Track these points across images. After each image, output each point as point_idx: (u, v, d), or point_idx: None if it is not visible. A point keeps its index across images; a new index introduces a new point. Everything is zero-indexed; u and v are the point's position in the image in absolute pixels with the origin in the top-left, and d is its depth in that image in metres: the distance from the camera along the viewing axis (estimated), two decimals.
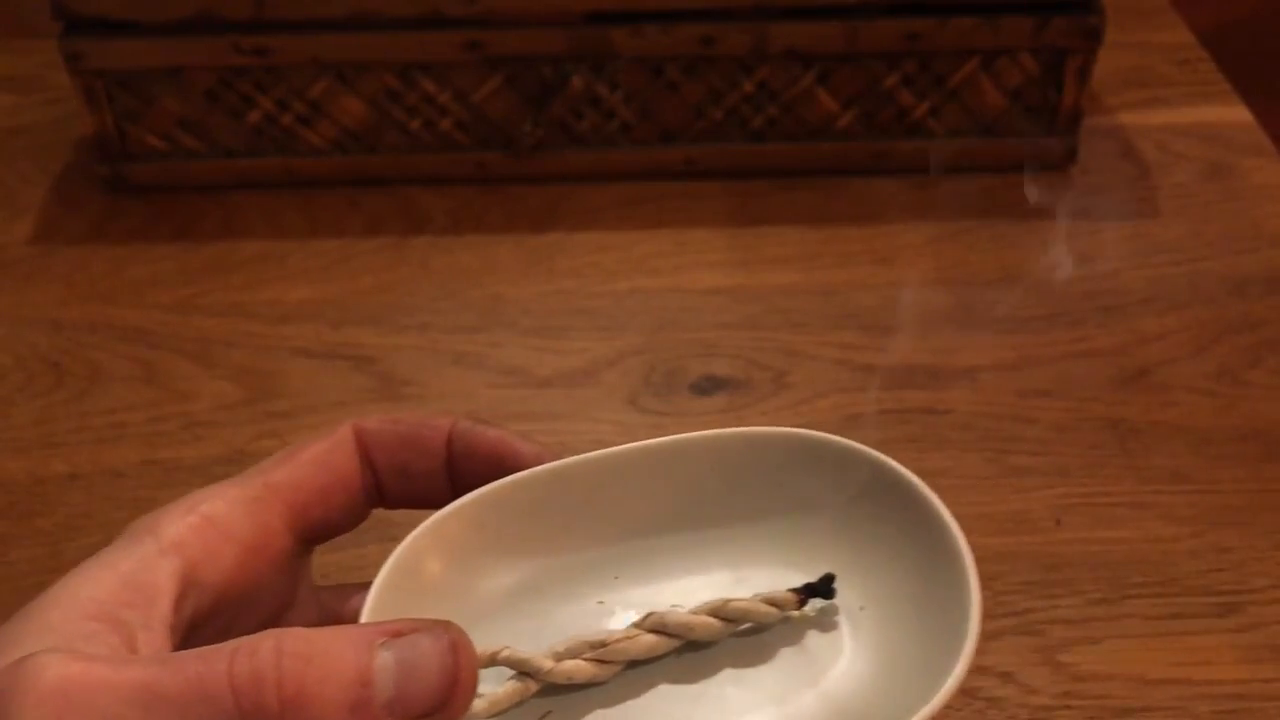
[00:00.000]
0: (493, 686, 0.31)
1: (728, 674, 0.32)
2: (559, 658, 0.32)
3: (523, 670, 0.31)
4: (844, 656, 0.32)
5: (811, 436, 0.35)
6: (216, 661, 0.26)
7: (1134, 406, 0.57)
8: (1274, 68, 0.95)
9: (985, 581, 0.49)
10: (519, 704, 0.31)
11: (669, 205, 0.70)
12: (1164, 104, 0.76)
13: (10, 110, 0.78)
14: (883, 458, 0.34)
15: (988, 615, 0.48)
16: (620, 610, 0.34)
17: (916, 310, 0.63)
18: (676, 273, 0.65)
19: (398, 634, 0.28)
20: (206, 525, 0.32)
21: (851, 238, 0.67)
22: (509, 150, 0.70)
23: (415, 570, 0.33)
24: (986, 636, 0.48)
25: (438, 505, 0.34)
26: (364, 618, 0.31)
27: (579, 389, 0.59)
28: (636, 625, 0.32)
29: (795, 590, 0.33)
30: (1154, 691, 0.46)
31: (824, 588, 0.33)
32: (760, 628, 0.33)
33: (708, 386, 0.59)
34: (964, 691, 0.46)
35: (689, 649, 0.33)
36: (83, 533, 0.53)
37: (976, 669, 0.47)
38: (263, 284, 0.65)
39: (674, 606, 0.33)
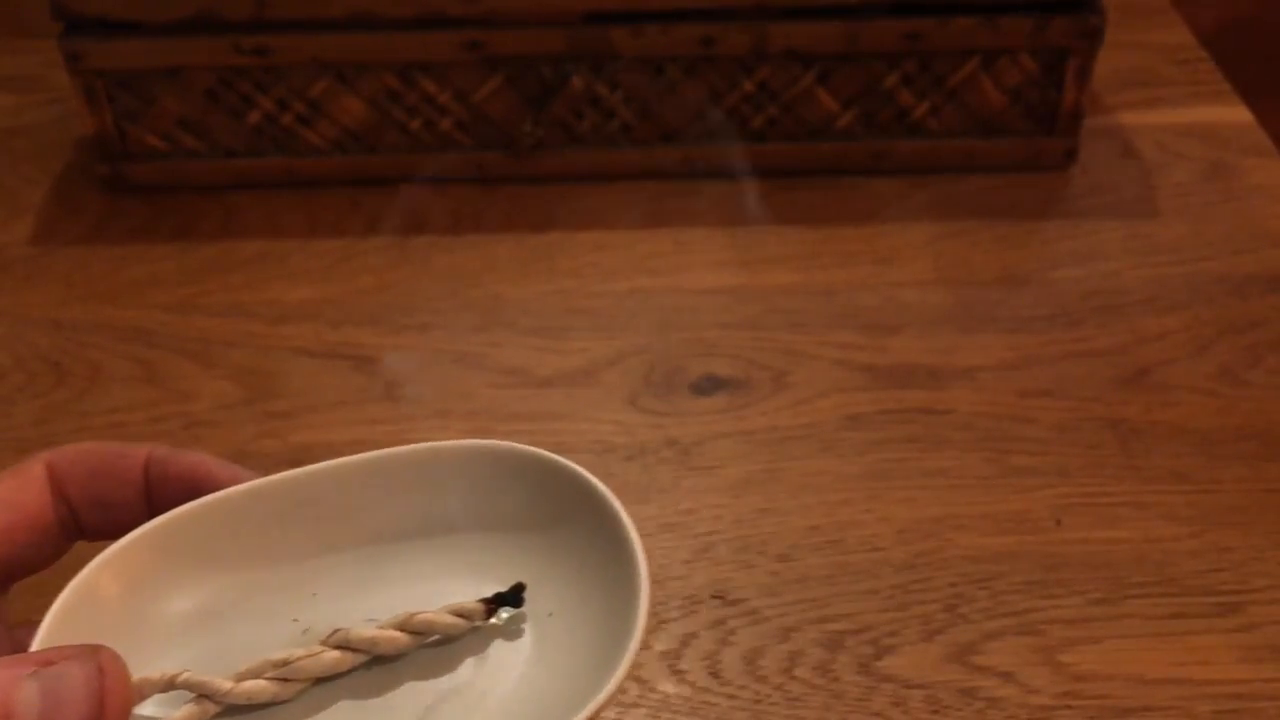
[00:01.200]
0: (171, 710, 0.32)
1: (410, 687, 0.33)
2: (240, 678, 0.32)
3: (202, 693, 0.31)
4: (526, 663, 0.33)
5: (510, 449, 0.35)
6: None
7: (1134, 406, 0.57)
8: (1274, 68, 0.95)
9: (986, 581, 0.50)
10: None
11: (669, 205, 0.70)
12: (1164, 104, 0.76)
13: (11, 110, 0.78)
14: (576, 468, 0.34)
15: (988, 615, 0.48)
16: (316, 627, 0.34)
17: (917, 310, 0.63)
18: (676, 273, 0.65)
19: (47, 663, 0.28)
20: None
21: (851, 238, 0.67)
22: (509, 150, 0.70)
23: (94, 598, 0.32)
24: (987, 636, 0.48)
25: None
26: (33, 649, 0.31)
27: (579, 389, 0.59)
28: (322, 642, 0.33)
29: (485, 600, 0.34)
30: (1154, 691, 0.46)
31: (513, 597, 0.34)
32: (449, 639, 0.34)
33: (708, 386, 0.59)
34: (964, 691, 0.46)
35: (378, 663, 0.33)
36: None
37: (977, 668, 0.47)
38: (263, 284, 0.65)
39: (369, 621, 0.33)
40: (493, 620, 0.34)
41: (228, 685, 0.32)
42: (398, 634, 0.33)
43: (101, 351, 0.61)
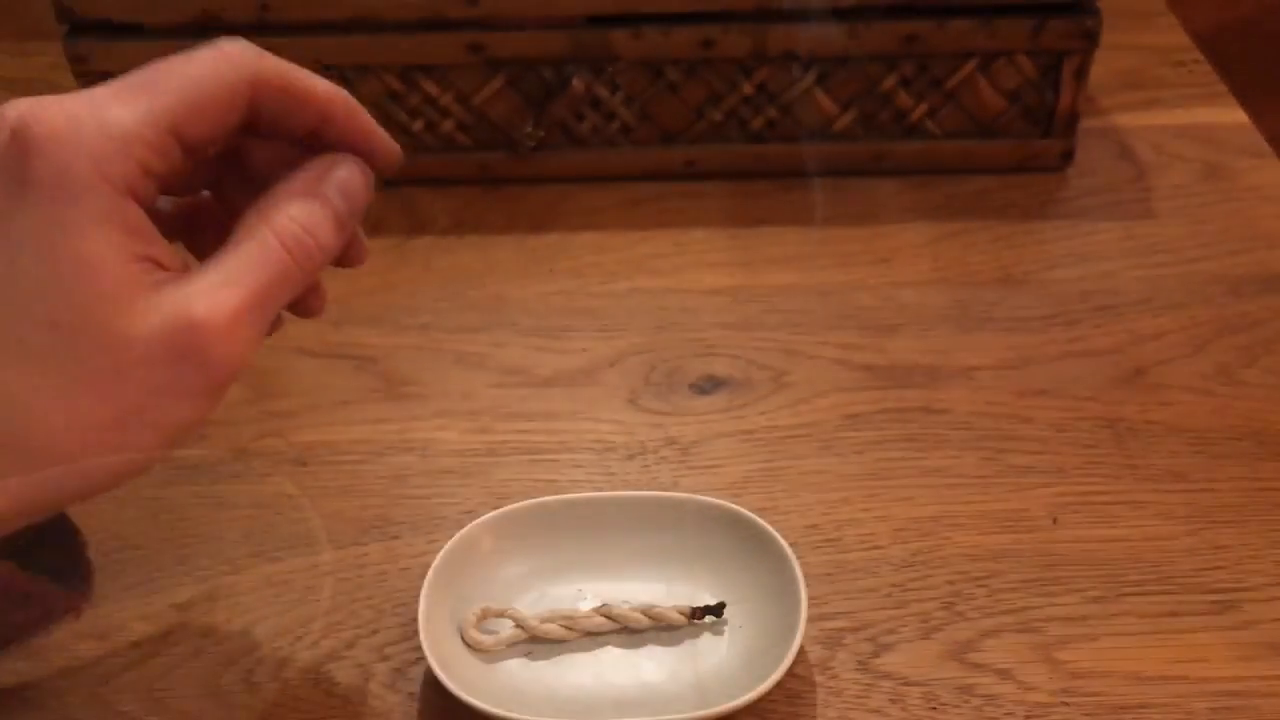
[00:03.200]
0: (501, 631, 0.48)
1: (645, 649, 0.48)
2: (543, 620, 0.48)
3: (520, 624, 0.48)
4: (720, 652, 0.48)
5: (724, 507, 0.50)
6: (281, 254, 0.37)
7: (1131, 406, 0.58)
8: (1269, 69, 0.95)
9: (984, 580, 0.50)
10: (514, 644, 0.48)
11: (669, 206, 0.70)
12: (1160, 105, 0.77)
13: None
14: (760, 520, 0.49)
15: (986, 613, 0.49)
16: (591, 597, 0.50)
17: (915, 310, 0.63)
18: (676, 273, 0.66)
19: (327, 173, 0.39)
20: (145, 175, 0.36)
21: (850, 238, 0.68)
22: (510, 151, 0.70)
23: (475, 544, 0.49)
24: (985, 634, 0.48)
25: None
26: (431, 573, 0.47)
27: (579, 388, 0.59)
28: (594, 610, 0.49)
29: (700, 607, 0.48)
30: (1151, 689, 0.47)
31: (717, 609, 0.48)
32: (673, 626, 0.48)
33: (708, 386, 0.59)
34: (961, 689, 0.46)
35: (627, 630, 0.49)
36: (87, 531, 0.53)
37: (974, 665, 0.47)
38: None
39: (623, 601, 0.49)
40: (707, 619, 0.48)
41: (536, 623, 0.48)
42: (641, 616, 0.48)
43: None
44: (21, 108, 0.35)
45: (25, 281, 0.34)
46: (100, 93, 0.36)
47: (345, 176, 0.39)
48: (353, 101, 0.40)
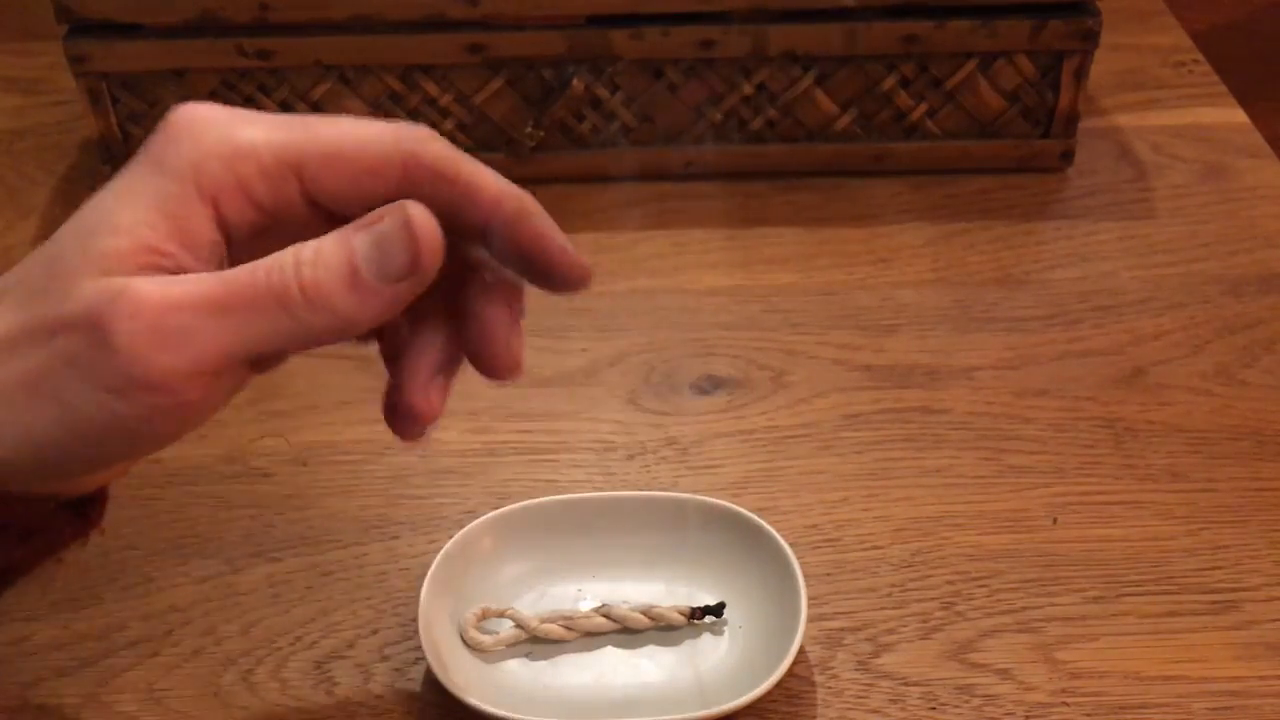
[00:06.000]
0: (501, 631, 0.48)
1: (645, 650, 0.48)
2: (543, 620, 0.48)
3: (519, 624, 0.48)
4: (720, 652, 0.48)
5: (725, 507, 0.50)
6: (256, 275, 0.33)
7: (1130, 406, 0.58)
8: (1268, 70, 0.96)
9: (983, 580, 0.50)
10: (514, 644, 0.48)
11: (669, 206, 0.70)
12: (1160, 106, 0.77)
13: (15, 112, 0.79)
14: (760, 520, 0.49)
15: (986, 613, 0.49)
16: (590, 598, 0.50)
17: (914, 310, 0.63)
18: (676, 273, 0.66)
19: (369, 224, 0.33)
20: (240, 194, 0.34)
21: (850, 238, 0.68)
22: (510, 152, 0.70)
23: (475, 544, 0.49)
24: (985, 634, 0.48)
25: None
26: (431, 573, 0.47)
27: (580, 388, 0.59)
28: (594, 611, 0.49)
29: (700, 607, 0.48)
30: (1150, 689, 0.47)
31: (718, 609, 0.48)
32: (673, 627, 0.48)
33: (707, 386, 0.59)
34: (961, 689, 0.47)
35: (626, 630, 0.49)
36: None
37: (974, 665, 0.47)
38: None
39: (623, 601, 0.49)
40: (707, 619, 0.48)
41: (536, 623, 0.48)
42: (641, 616, 0.48)
43: None
44: (188, 104, 0.35)
45: (74, 218, 0.34)
46: (258, 114, 0.35)
47: (387, 230, 0.33)
48: (528, 207, 0.36)
